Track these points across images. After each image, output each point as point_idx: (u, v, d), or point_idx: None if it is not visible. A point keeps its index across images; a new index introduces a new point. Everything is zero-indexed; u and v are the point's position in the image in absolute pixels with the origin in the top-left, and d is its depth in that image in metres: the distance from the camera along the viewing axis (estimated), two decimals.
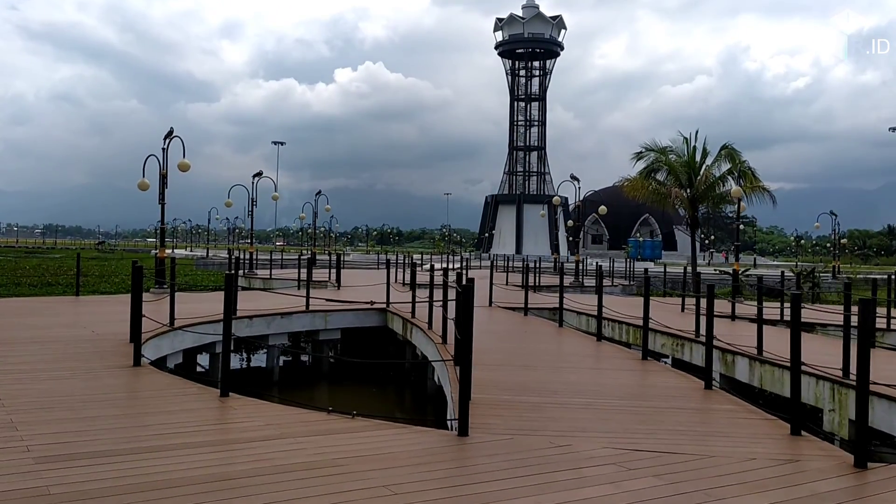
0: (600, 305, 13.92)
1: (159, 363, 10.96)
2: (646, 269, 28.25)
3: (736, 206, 26.32)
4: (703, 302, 10.80)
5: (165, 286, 21.51)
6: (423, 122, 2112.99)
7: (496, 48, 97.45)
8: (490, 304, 18.88)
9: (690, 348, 12.75)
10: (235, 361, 17.38)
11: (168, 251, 22.57)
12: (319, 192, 42.54)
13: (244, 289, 30.95)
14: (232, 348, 11.94)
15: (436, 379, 11.99)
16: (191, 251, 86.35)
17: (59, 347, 10.10)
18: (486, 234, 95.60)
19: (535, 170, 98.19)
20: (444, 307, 11.49)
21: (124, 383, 7.90)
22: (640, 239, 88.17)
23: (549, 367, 10.46)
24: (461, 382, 6.27)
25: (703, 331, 10.32)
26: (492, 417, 6.72)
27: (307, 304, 16.02)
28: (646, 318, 11.53)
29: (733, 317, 16.26)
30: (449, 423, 7.55)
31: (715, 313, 9.60)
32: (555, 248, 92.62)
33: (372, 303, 16.77)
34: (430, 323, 13.27)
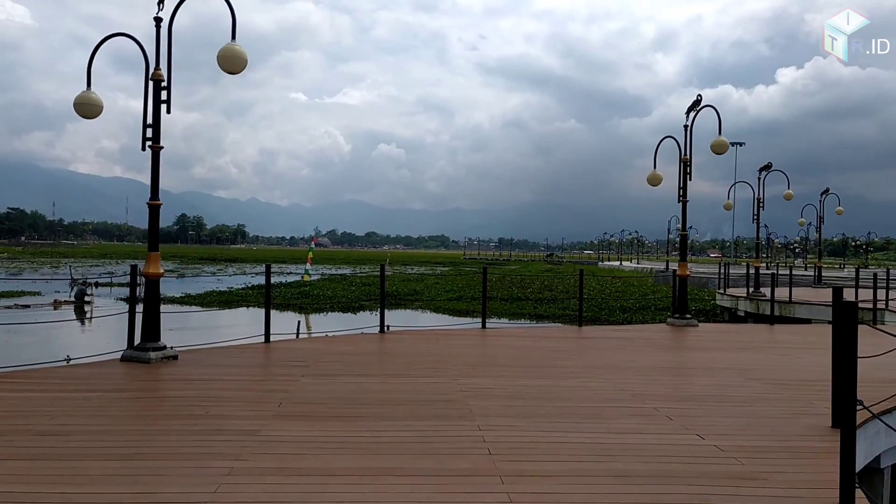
0: None
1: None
2: None
3: None
4: None
5: (687, 316, 15.77)
6: (884, 117, 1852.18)
7: None
8: None
9: None
10: None
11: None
12: (826, 191, 33.36)
13: (747, 315, 24.22)
14: None
15: None
16: (637, 263, 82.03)
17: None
18: None
19: None
20: None
21: None
22: None
23: None
24: None
25: None
26: None
27: None
28: None
29: None
30: None
31: None
32: None
33: None
34: None
